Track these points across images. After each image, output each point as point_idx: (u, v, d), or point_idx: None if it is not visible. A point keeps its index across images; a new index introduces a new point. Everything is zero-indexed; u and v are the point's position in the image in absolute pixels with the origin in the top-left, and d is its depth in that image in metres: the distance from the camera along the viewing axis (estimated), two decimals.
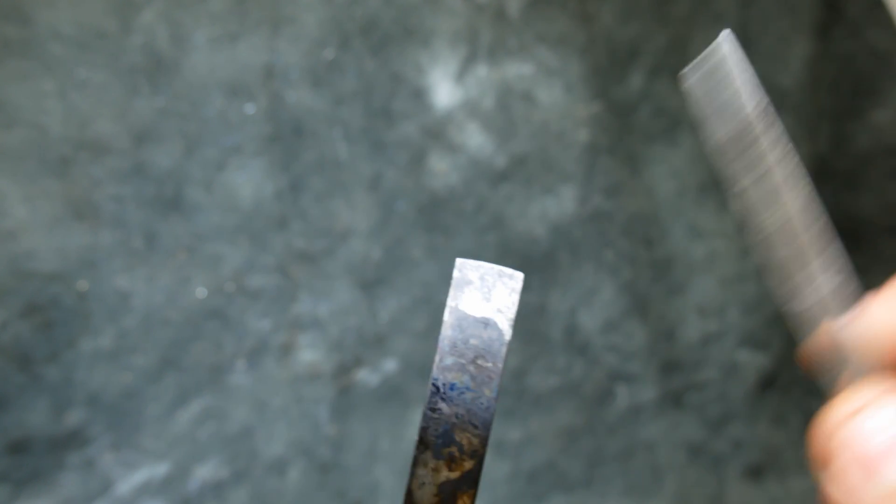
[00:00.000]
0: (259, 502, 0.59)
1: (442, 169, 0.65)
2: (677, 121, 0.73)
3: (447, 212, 0.66)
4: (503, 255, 0.69)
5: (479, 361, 0.17)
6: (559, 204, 0.70)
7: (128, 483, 0.56)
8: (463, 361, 0.17)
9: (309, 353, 0.62)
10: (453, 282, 0.18)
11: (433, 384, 0.17)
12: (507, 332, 0.18)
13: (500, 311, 0.17)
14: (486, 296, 0.17)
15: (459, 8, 0.64)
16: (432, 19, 0.63)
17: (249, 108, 0.59)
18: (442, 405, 0.17)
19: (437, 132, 0.64)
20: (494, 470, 0.69)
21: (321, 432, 0.62)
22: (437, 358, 0.17)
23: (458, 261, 0.18)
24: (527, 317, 0.70)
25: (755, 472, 0.82)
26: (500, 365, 0.17)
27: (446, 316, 0.17)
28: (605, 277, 0.73)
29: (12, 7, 0.52)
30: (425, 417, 0.17)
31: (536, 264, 0.70)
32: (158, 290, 0.57)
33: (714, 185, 0.76)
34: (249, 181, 0.59)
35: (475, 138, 0.65)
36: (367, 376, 0.63)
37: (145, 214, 0.56)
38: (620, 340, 0.79)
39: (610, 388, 0.76)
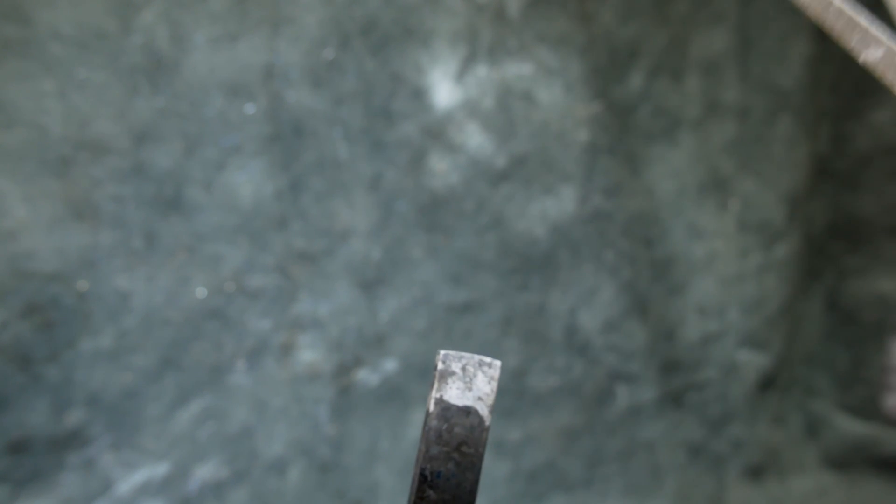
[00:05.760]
0: (259, 502, 0.59)
1: (442, 169, 0.65)
2: (677, 121, 0.73)
3: (447, 212, 0.66)
4: (503, 255, 0.69)
5: (463, 448, 0.18)
6: (559, 204, 0.70)
7: (128, 483, 0.56)
8: (447, 449, 0.18)
9: (309, 353, 0.62)
10: (437, 373, 0.19)
11: (421, 473, 0.18)
12: (488, 419, 0.19)
13: (480, 398, 0.19)
14: (468, 385, 0.18)
15: (459, 8, 0.63)
16: (432, 19, 0.63)
17: (249, 108, 0.59)
18: (430, 492, 0.18)
19: (437, 132, 0.64)
20: (494, 470, 0.69)
21: (321, 432, 0.62)
22: (422, 447, 0.18)
23: (441, 352, 0.19)
24: (527, 317, 0.70)
25: (755, 472, 0.82)
26: (482, 450, 0.18)
27: (431, 406, 0.18)
28: (605, 277, 0.73)
29: (12, 7, 0.52)
30: None
31: (536, 264, 0.70)
32: (158, 290, 0.57)
33: (714, 185, 0.76)
34: (249, 181, 0.59)
35: (475, 138, 0.65)
36: (367, 376, 0.63)
37: (145, 214, 0.56)
38: (620, 340, 0.79)
39: (610, 388, 0.76)
